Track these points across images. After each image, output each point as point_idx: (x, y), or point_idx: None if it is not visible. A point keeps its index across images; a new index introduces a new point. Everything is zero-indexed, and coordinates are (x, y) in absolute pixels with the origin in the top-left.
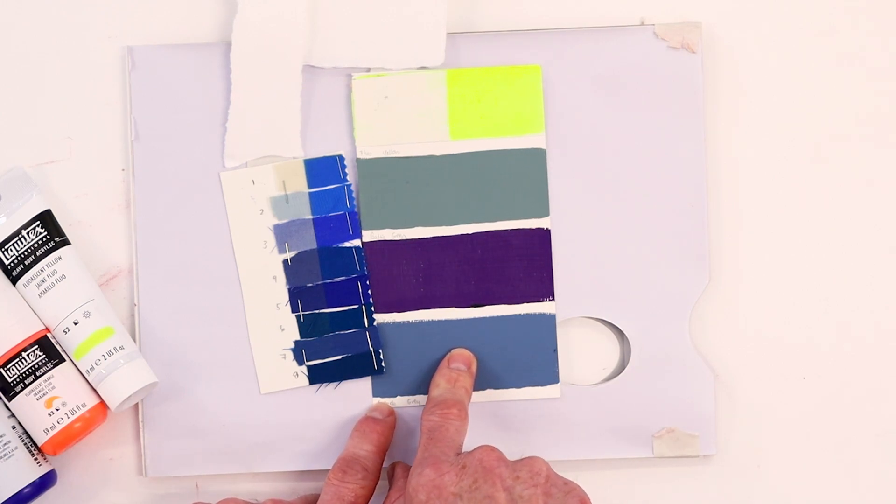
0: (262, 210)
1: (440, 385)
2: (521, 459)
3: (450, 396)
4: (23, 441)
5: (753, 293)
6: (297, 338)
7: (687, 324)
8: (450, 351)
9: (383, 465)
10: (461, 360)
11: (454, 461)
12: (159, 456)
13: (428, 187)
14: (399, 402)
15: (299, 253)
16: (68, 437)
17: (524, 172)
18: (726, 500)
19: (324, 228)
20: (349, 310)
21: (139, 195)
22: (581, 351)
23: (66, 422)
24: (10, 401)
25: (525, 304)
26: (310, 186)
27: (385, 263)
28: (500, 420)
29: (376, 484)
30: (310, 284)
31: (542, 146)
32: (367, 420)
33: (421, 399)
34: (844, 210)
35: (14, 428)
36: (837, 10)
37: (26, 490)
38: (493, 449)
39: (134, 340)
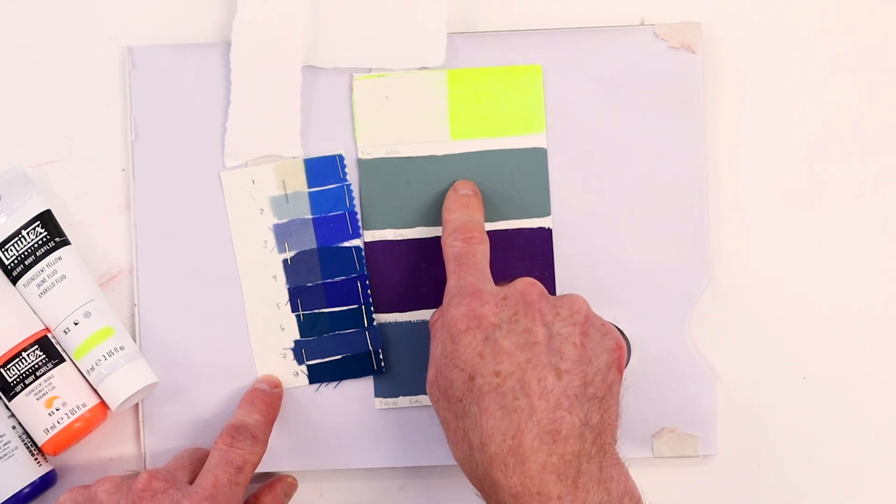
0: (262, 210)
1: (454, 209)
2: (563, 296)
3: (467, 219)
4: (23, 441)
5: (753, 293)
6: (297, 337)
7: (687, 324)
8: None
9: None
10: (467, 187)
11: (495, 291)
12: (159, 456)
13: (429, 187)
14: (401, 402)
15: (299, 252)
16: (68, 437)
17: (525, 172)
18: (726, 500)
19: (323, 228)
20: (349, 309)
21: (139, 195)
22: None
23: (66, 422)
24: (10, 401)
25: None
26: (309, 186)
27: (387, 263)
28: None
29: (263, 453)
30: (310, 284)
31: (543, 146)
32: (255, 391)
33: (423, 399)
34: (845, 210)
35: (14, 428)
36: (837, 11)
37: (26, 490)
38: (534, 283)
39: (134, 340)
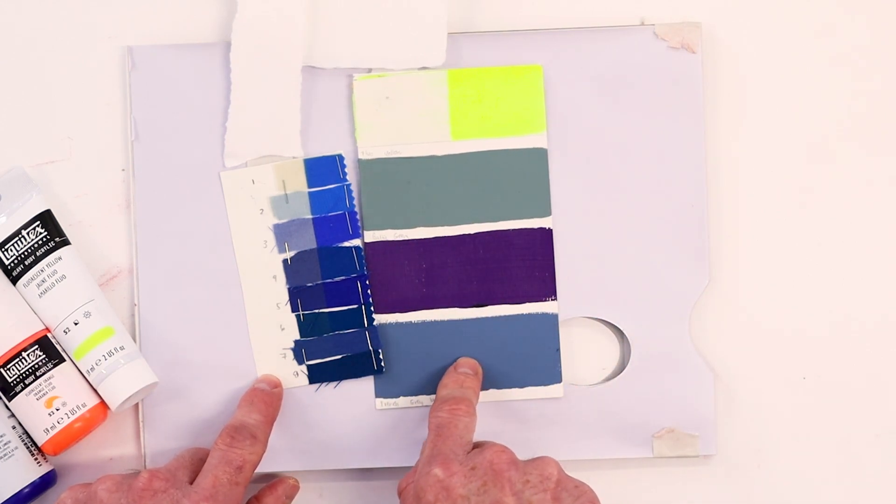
0: (262, 210)
1: (448, 385)
2: (532, 460)
3: (458, 394)
4: (23, 441)
5: (753, 293)
6: (297, 337)
7: (687, 324)
8: (456, 359)
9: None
10: (467, 366)
11: (464, 461)
12: (159, 456)
13: (430, 187)
14: (402, 402)
15: (299, 252)
16: (68, 437)
17: (526, 172)
18: (726, 500)
19: (323, 228)
20: (349, 309)
21: (139, 195)
22: (581, 351)
23: (66, 422)
24: (10, 401)
25: (527, 304)
26: (309, 186)
27: (387, 264)
28: (501, 420)
29: (263, 452)
30: (309, 284)
31: (544, 146)
32: (255, 391)
33: (424, 399)
34: (844, 210)
35: (14, 428)
36: (837, 10)
37: (26, 490)
38: (503, 450)
39: (134, 340)
